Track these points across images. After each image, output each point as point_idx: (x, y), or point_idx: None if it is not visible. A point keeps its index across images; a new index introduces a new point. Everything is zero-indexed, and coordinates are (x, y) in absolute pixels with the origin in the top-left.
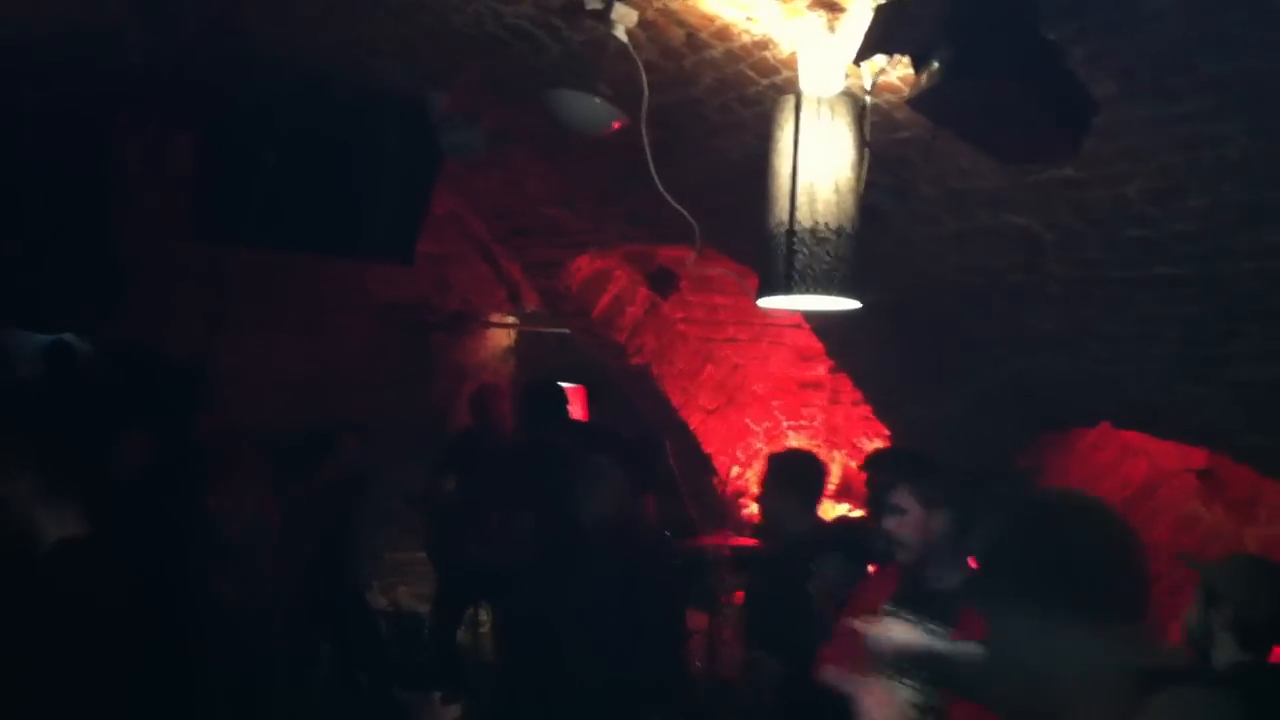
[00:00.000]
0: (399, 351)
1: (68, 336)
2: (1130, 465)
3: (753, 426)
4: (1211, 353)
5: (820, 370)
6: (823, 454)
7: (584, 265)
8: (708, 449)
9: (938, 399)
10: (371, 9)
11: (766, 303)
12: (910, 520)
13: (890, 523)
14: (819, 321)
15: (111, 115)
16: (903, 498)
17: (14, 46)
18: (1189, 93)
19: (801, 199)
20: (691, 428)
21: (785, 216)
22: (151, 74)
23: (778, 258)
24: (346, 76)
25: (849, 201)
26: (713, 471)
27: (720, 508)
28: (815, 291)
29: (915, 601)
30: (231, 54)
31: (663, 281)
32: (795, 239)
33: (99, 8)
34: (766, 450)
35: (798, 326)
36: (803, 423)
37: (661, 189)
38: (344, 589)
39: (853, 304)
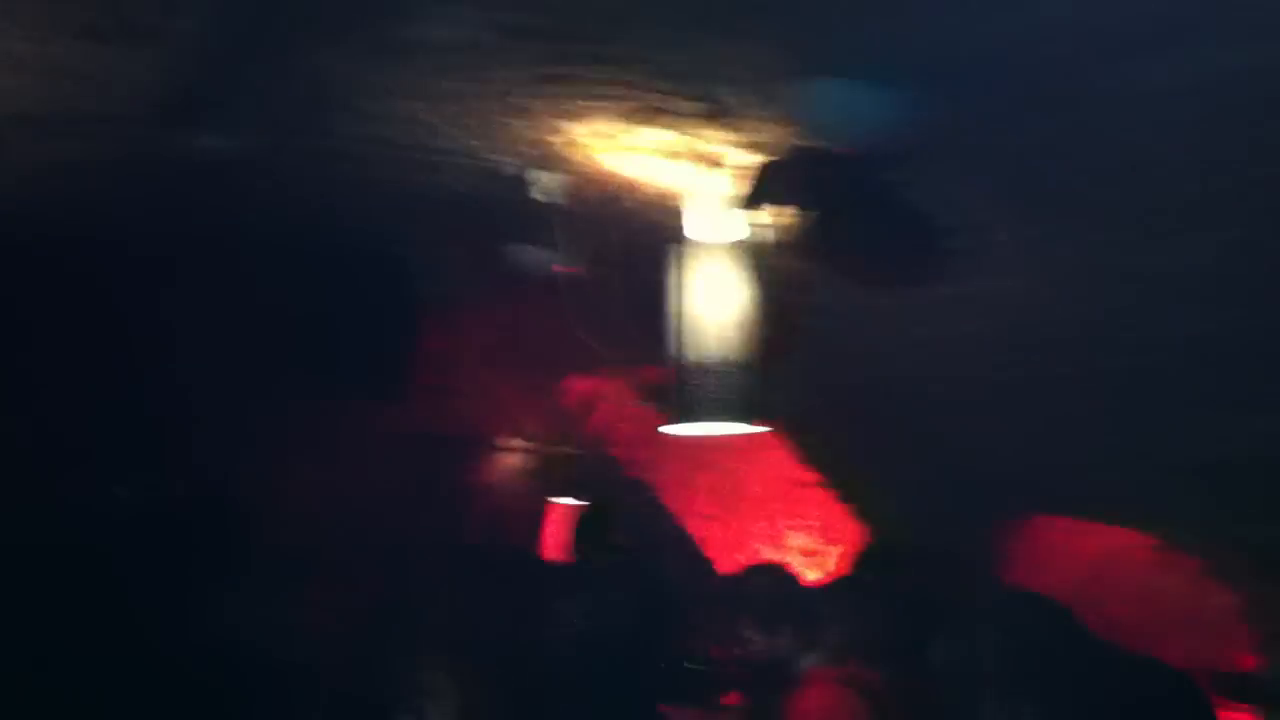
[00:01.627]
0: (410, 477)
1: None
2: (1079, 543)
3: (751, 530)
4: (1130, 441)
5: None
6: (821, 552)
7: (573, 386)
8: (709, 554)
9: (900, 498)
10: (338, 184)
11: (668, 430)
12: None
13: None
14: (790, 429)
15: (126, 283)
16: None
17: (31, 229)
18: (1047, 207)
19: (688, 336)
20: (691, 534)
21: (677, 352)
22: (162, 248)
23: (673, 390)
24: (326, 236)
25: (736, 335)
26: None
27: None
28: (708, 419)
29: None
30: (224, 225)
31: (655, 396)
32: (686, 373)
33: (101, 194)
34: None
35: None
36: (802, 523)
37: (575, 325)
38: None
39: (746, 429)
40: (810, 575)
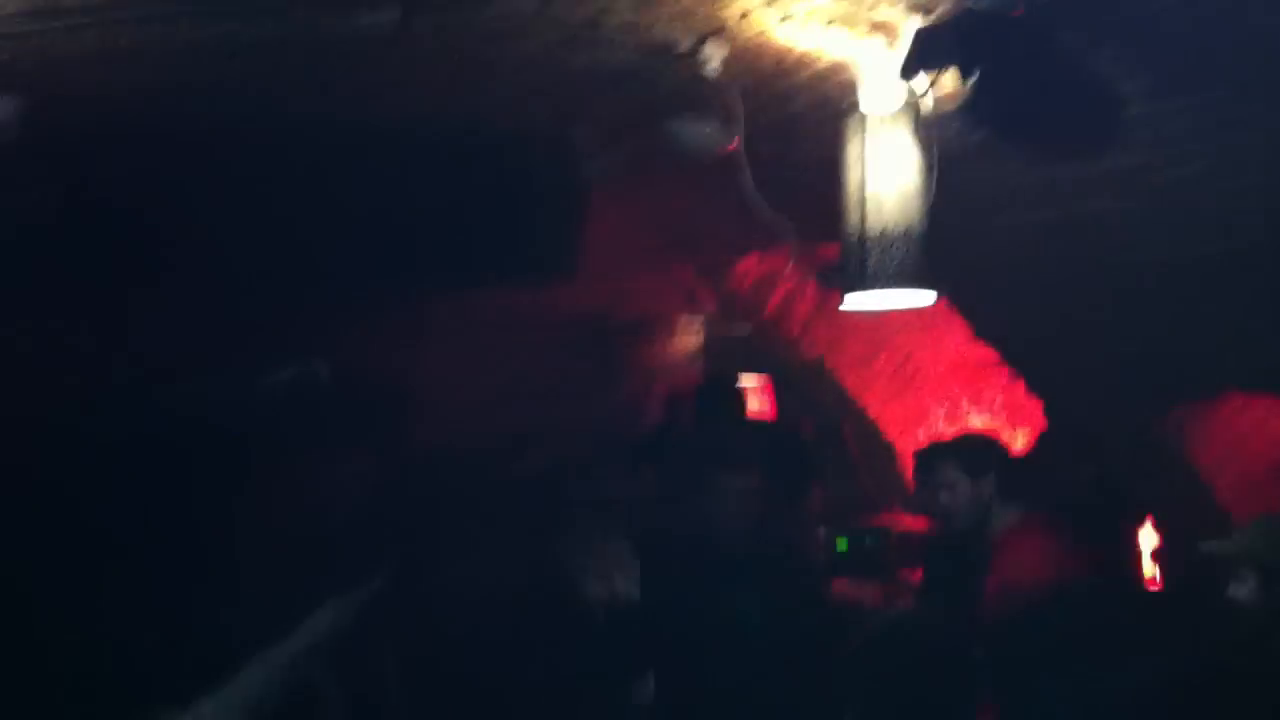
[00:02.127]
0: (587, 359)
1: (311, 361)
2: (1277, 423)
3: (933, 409)
4: None
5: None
6: (1005, 433)
7: (752, 266)
8: (888, 435)
9: (1072, 376)
10: (500, 62)
11: (849, 303)
12: (960, 491)
13: (944, 496)
14: (963, 306)
15: (281, 168)
16: (949, 472)
17: (189, 115)
18: (1212, 80)
19: (869, 206)
20: (870, 415)
21: (856, 223)
22: (316, 135)
23: (852, 260)
24: (491, 120)
25: (914, 204)
26: (893, 456)
27: (902, 490)
28: (888, 288)
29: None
30: (381, 112)
31: (830, 276)
32: (866, 243)
33: (256, 76)
34: (948, 432)
35: None
36: (983, 403)
37: (757, 204)
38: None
39: (929, 297)
40: None
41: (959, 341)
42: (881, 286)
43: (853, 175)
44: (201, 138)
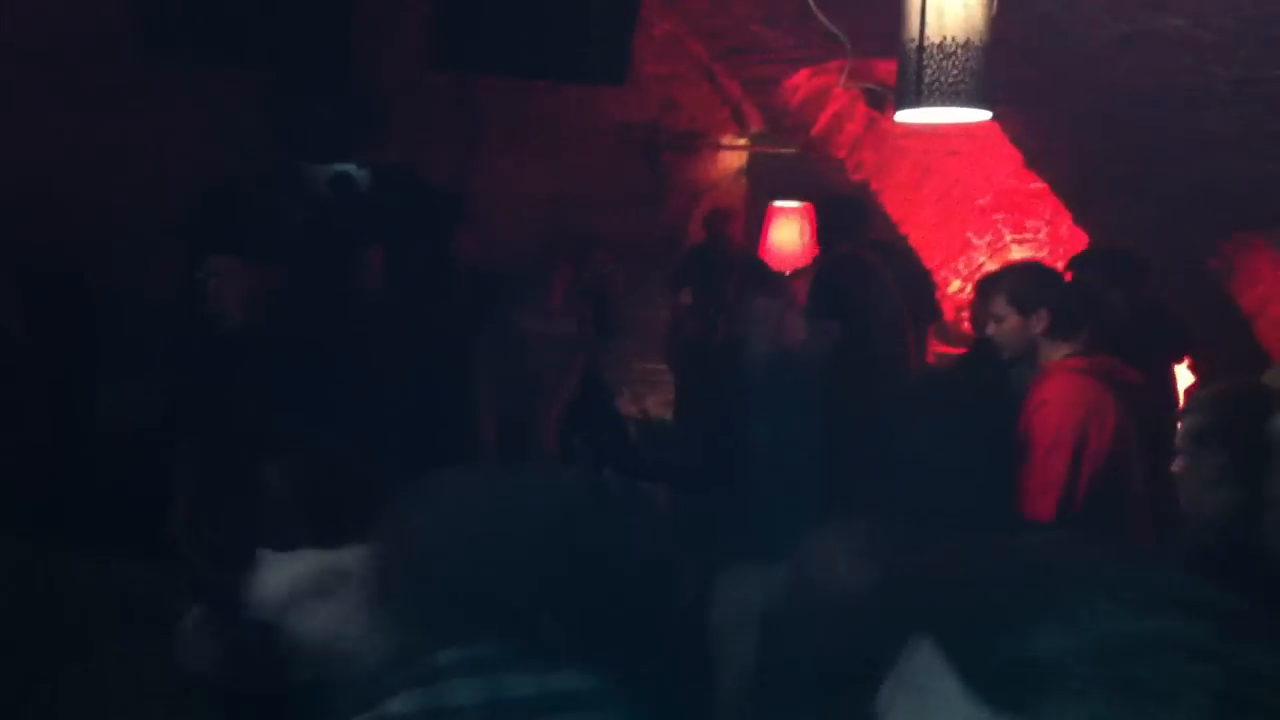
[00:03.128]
0: (634, 171)
1: (348, 167)
2: None
3: (975, 240)
4: None
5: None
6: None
7: (801, 83)
8: (929, 264)
9: (1129, 204)
10: None
11: (901, 117)
12: (1008, 325)
13: (991, 328)
14: (1015, 131)
15: None
16: (999, 305)
17: None
18: None
19: (930, 14)
20: (911, 242)
21: (915, 32)
22: None
23: (909, 72)
24: None
25: (977, 15)
26: (933, 284)
27: (938, 318)
28: (945, 104)
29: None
30: None
31: (878, 97)
32: (924, 53)
33: None
34: (989, 264)
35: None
36: (1026, 236)
37: (815, 9)
38: (595, 393)
39: (985, 115)
40: None
41: (1007, 170)
42: (937, 103)
43: None
44: None
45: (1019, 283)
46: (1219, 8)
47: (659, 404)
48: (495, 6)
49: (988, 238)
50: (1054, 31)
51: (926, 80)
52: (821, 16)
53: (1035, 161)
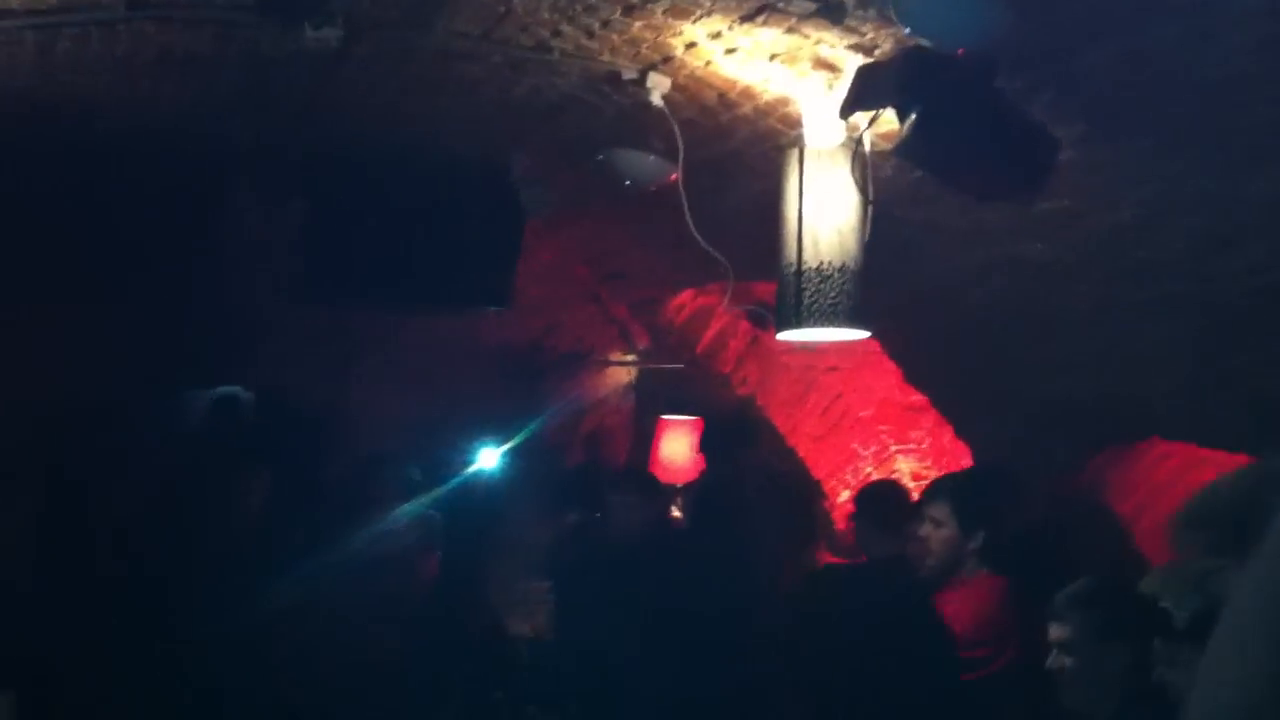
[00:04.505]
0: (515, 393)
1: (235, 390)
2: (1196, 473)
3: (860, 451)
4: (1226, 367)
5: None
6: (932, 476)
7: (686, 302)
8: (816, 474)
9: (999, 419)
10: (442, 87)
11: (783, 337)
12: (943, 534)
13: (924, 530)
14: (893, 349)
15: (222, 187)
16: (939, 511)
17: (130, 126)
18: (1143, 132)
19: (806, 241)
20: (800, 455)
21: (793, 257)
22: (256, 149)
23: (788, 295)
24: (429, 144)
25: (851, 241)
26: (822, 495)
27: (830, 531)
28: (823, 325)
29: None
30: (323, 129)
31: (760, 315)
32: (802, 278)
33: (207, 90)
34: (874, 475)
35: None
36: (910, 446)
37: (696, 234)
38: (482, 615)
39: (862, 334)
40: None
41: (887, 384)
42: (816, 324)
43: (790, 209)
44: (132, 149)
45: (963, 496)
46: (1073, 235)
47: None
48: (375, 240)
49: (873, 448)
50: (917, 258)
51: (805, 303)
52: (703, 242)
53: (913, 377)
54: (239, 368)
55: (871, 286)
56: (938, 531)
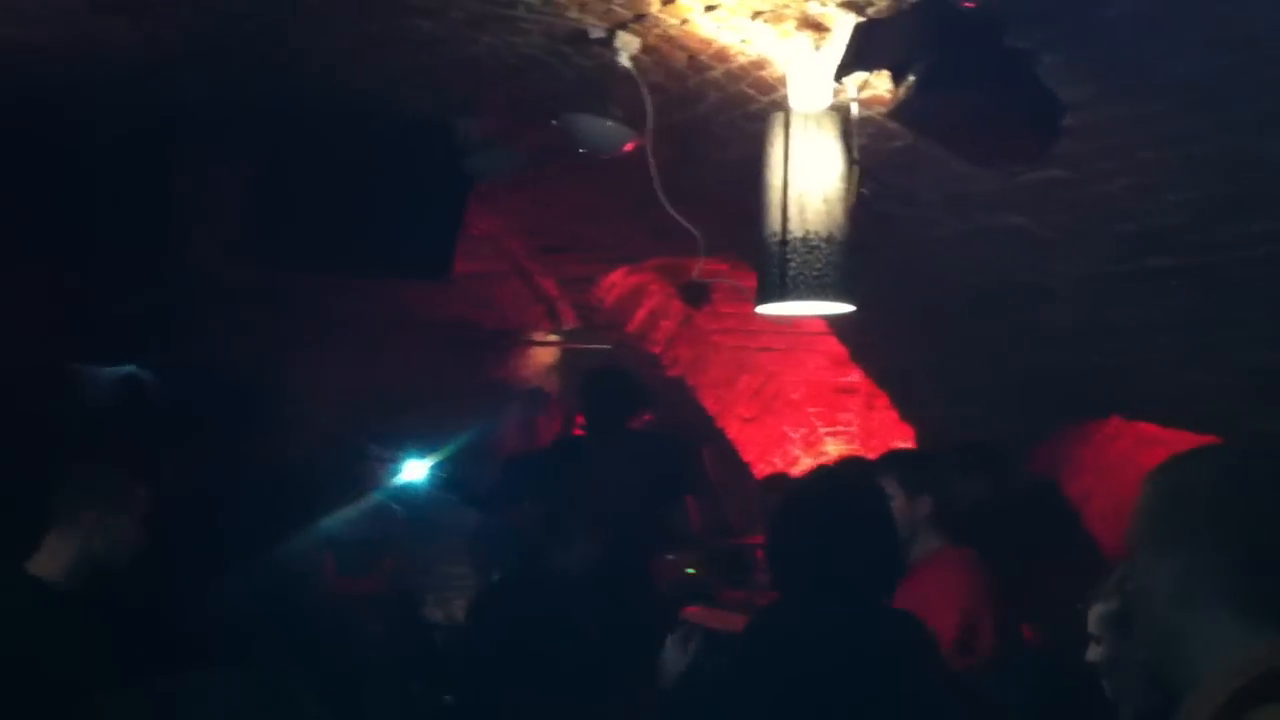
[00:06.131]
0: (444, 369)
1: (136, 369)
2: (1147, 454)
3: (790, 434)
4: (1211, 341)
5: (855, 376)
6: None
7: (618, 281)
8: (746, 457)
9: (957, 398)
10: (397, 44)
11: (764, 309)
12: (895, 506)
13: None
14: (842, 326)
15: (165, 145)
16: (889, 486)
17: (71, 82)
18: (1158, 93)
19: (792, 210)
20: (730, 436)
21: (778, 227)
22: (201, 106)
23: (772, 266)
24: (377, 103)
25: (838, 210)
26: (752, 478)
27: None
28: (808, 298)
29: None
30: (265, 84)
31: (695, 294)
32: (787, 248)
33: (154, 45)
34: (804, 457)
35: (831, 333)
36: (839, 429)
37: (667, 204)
38: (397, 600)
39: (847, 308)
40: None
41: (818, 365)
42: (801, 297)
43: (774, 176)
44: (62, 102)
45: (907, 465)
46: (1060, 206)
47: (463, 609)
48: (316, 201)
49: (802, 431)
50: (892, 229)
51: (790, 274)
52: (674, 213)
53: (861, 356)
54: (158, 338)
55: (856, 257)
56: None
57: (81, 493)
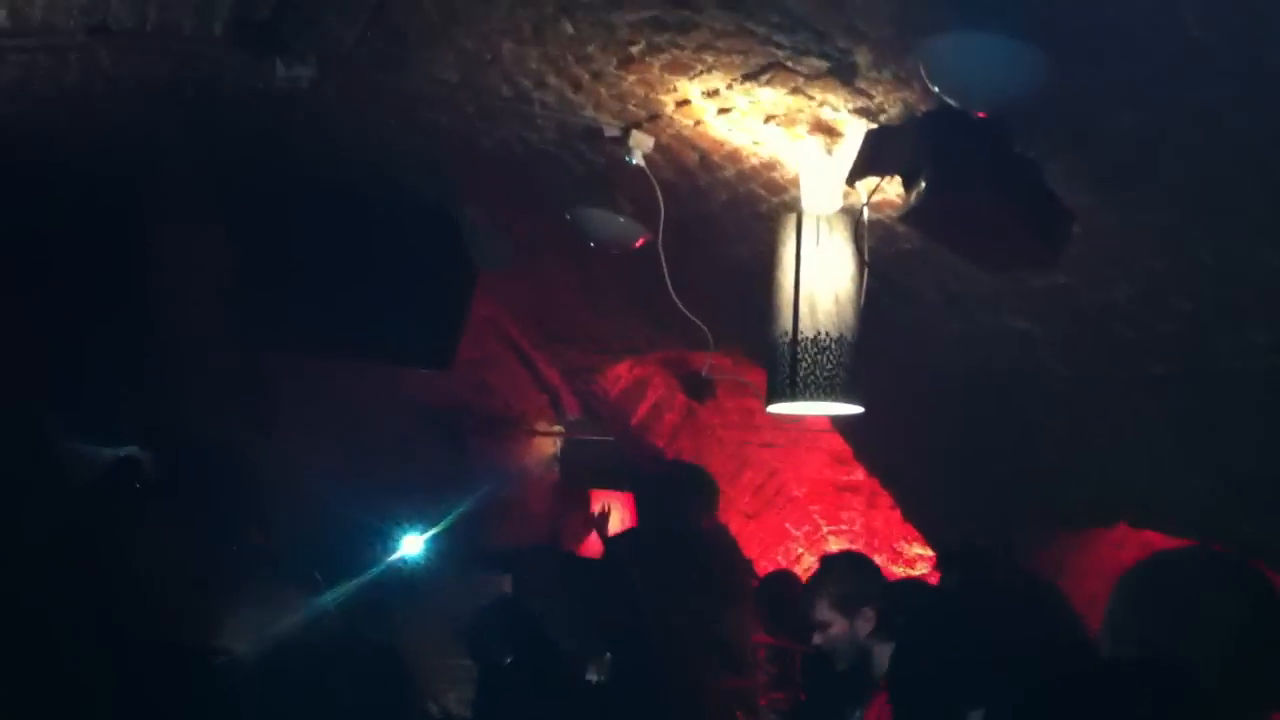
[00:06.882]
0: (437, 456)
1: (134, 450)
2: None
3: (792, 530)
4: (1207, 448)
5: (858, 474)
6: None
7: (623, 373)
8: (748, 553)
9: (956, 498)
10: (405, 132)
11: (774, 409)
12: (835, 631)
13: (819, 639)
14: (844, 424)
15: (156, 225)
16: (823, 611)
17: (62, 158)
18: (1158, 201)
19: (803, 310)
20: (731, 531)
21: (789, 326)
22: (195, 185)
23: (782, 366)
24: (385, 190)
25: (849, 311)
26: (753, 575)
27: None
28: (819, 398)
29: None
30: (272, 167)
31: (698, 387)
32: (798, 348)
33: (146, 120)
34: (806, 555)
35: (834, 430)
36: (842, 526)
37: (677, 300)
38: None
39: (856, 408)
40: None
41: (821, 463)
42: (811, 397)
43: (786, 276)
44: (60, 175)
45: (840, 582)
46: (1061, 310)
47: (459, 702)
48: (320, 286)
49: (805, 528)
50: (892, 329)
51: (801, 374)
52: (684, 308)
53: (863, 455)
54: (149, 416)
55: (864, 358)
56: (828, 632)
57: None
